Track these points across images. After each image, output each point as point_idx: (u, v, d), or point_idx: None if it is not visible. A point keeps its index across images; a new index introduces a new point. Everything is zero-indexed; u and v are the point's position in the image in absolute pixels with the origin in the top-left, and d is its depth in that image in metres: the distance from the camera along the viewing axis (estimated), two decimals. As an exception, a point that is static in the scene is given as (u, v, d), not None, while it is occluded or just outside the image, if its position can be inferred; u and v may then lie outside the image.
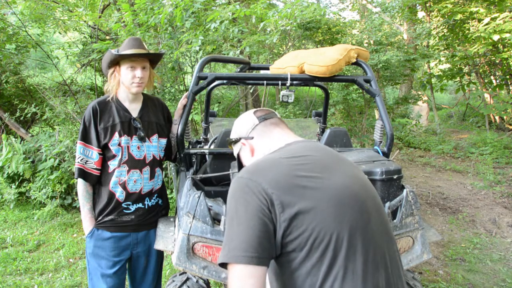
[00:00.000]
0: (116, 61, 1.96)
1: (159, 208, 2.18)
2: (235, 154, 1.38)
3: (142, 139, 2.04)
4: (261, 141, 1.26)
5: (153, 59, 2.08)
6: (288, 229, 0.98)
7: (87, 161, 1.97)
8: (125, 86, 1.99)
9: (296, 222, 0.97)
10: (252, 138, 1.28)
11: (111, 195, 1.99)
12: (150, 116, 2.11)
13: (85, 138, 1.97)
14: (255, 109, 1.35)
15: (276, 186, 1.00)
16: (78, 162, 1.97)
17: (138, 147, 2.03)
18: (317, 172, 1.06)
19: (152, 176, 2.09)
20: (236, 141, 1.33)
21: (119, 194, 1.99)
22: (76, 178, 1.98)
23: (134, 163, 2.01)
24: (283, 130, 1.29)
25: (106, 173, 2.00)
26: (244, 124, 1.32)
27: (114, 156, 1.98)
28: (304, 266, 0.98)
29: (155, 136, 2.12)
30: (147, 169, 2.06)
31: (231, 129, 1.39)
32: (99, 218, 2.00)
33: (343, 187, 1.05)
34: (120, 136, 1.98)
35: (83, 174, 1.97)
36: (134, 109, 2.07)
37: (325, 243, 0.97)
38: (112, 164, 1.99)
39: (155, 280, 2.24)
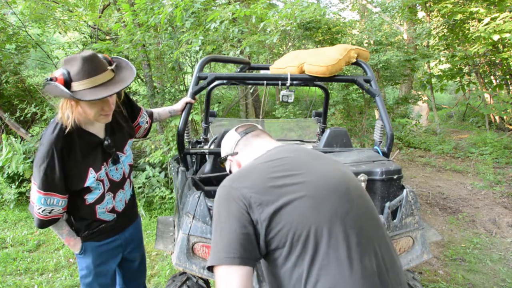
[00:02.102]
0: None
1: (133, 200, 2.06)
2: (228, 171, 1.46)
3: (115, 161, 1.79)
4: (245, 154, 1.34)
5: None
6: (269, 227, 1.03)
7: (52, 209, 1.62)
8: (89, 118, 1.60)
9: (275, 219, 1.03)
10: (237, 153, 1.36)
11: (101, 221, 1.80)
12: (117, 124, 1.82)
13: (48, 186, 1.57)
14: (237, 126, 1.44)
15: (254, 190, 1.06)
16: (39, 213, 1.61)
17: (116, 169, 1.81)
18: (294, 170, 1.12)
19: (130, 183, 1.95)
20: (225, 159, 1.42)
21: (110, 217, 1.84)
22: (37, 227, 1.68)
23: (117, 186, 1.83)
24: (264, 140, 1.35)
25: (82, 206, 1.72)
26: (228, 142, 1.41)
27: (90, 191, 1.70)
28: (289, 261, 1.02)
29: (127, 144, 1.89)
30: (127, 183, 1.91)
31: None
32: (86, 233, 1.79)
33: (322, 179, 1.11)
34: (96, 171, 1.68)
35: (48, 223, 1.66)
36: (99, 128, 1.72)
37: (305, 235, 1.01)
38: (90, 198, 1.71)
39: (145, 277, 2.23)
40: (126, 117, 1.92)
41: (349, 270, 0.99)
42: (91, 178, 1.67)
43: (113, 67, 1.60)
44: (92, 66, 1.49)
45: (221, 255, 1.01)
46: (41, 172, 1.54)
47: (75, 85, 1.48)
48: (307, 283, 0.99)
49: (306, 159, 1.19)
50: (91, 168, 1.66)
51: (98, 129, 1.71)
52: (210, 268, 1.04)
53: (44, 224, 1.65)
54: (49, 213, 1.63)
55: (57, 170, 1.55)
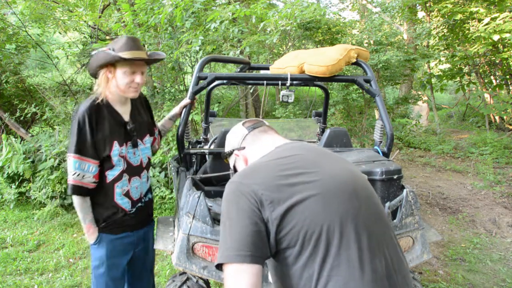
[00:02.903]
0: (112, 62, 1.78)
1: (150, 202, 2.17)
2: (231, 166, 1.43)
3: (135, 145, 1.94)
4: (252, 149, 1.32)
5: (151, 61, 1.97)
6: (280, 225, 1.01)
7: (84, 175, 1.79)
8: (120, 89, 1.83)
9: (287, 218, 1.01)
10: (244, 148, 1.33)
11: (118, 207, 1.92)
12: (141, 116, 2.03)
13: (81, 150, 1.77)
14: (244, 121, 1.41)
15: (265, 187, 1.04)
16: (74, 178, 1.77)
17: (134, 153, 1.95)
18: (305, 168, 1.10)
19: (147, 177, 2.07)
20: (230, 153, 1.39)
21: (126, 204, 1.94)
22: (70, 195, 1.84)
23: (133, 170, 1.94)
24: (272, 136, 1.33)
25: (104, 184, 1.87)
26: (235, 136, 1.38)
27: (112, 166, 1.86)
28: (300, 260, 1.00)
29: (147, 137, 2.05)
30: (144, 173, 2.03)
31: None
32: (103, 224, 1.92)
33: (332, 178, 1.09)
34: (121, 145, 1.87)
35: (79, 190, 1.80)
36: (125, 111, 1.94)
37: (316, 235, 0.99)
38: (111, 174, 1.86)
39: (152, 279, 2.26)
40: (151, 113, 2.13)
41: (360, 272, 0.97)
42: (116, 150, 1.84)
43: (148, 52, 1.89)
44: (134, 43, 1.79)
45: (230, 253, 0.98)
46: (75, 137, 1.76)
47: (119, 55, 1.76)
48: (318, 284, 0.98)
49: (315, 157, 1.17)
50: (115, 142, 1.84)
51: (124, 111, 1.92)
52: (219, 266, 1.01)
53: (75, 189, 1.79)
54: (82, 178, 1.78)
55: (88, 134, 1.77)
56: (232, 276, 0.97)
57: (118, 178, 1.88)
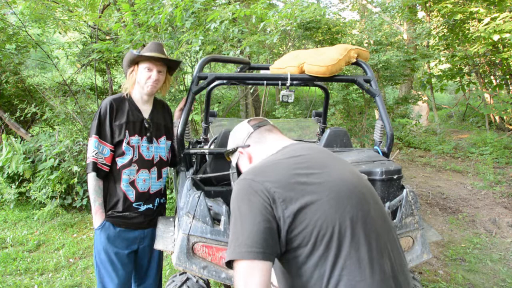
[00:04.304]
0: (136, 61, 2.05)
1: (162, 206, 2.28)
2: (234, 164, 1.42)
3: (149, 140, 2.10)
4: (258, 148, 1.31)
5: (170, 65, 2.15)
6: (292, 224, 1.01)
7: (98, 156, 2.00)
8: (140, 85, 2.07)
9: (299, 217, 1.01)
10: (249, 146, 1.33)
11: (123, 195, 2.04)
12: (159, 118, 2.19)
13: (100, 133, 2.00)
14: (248, 119, 1.40)
15: (278, 185, 1.04)
16: (92, 156, 2.00)
17: (148, 148, 2.10)
18: (316, 168, 1.11)
19: (159, 176, 2.19)
20: (234, 151, 1.38)
21: (130, 193, 2.06)
22: (89, 172, 2.01)
23: (143, 163, 2.08)
24: (277, 135, 1.33)
25: (114, 170, 2.04)
26: (239, 133, 1.37)
27: (123, 154, 2.03)
28: (311, 260, 1.01)
29: (163, 138, 2.19)
30: (154, 170, 2.15)
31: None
32: (109, 212, 2.04)
33: (342, 181, 1.10)
34: (131, 135, 2.04)
35: (96, 167, 1.99)
36: (146, 110, 2.14)
37: (329, 235, 1.00)
38: (120, 161, 2.03)
39: (158, 275, 2.30)
40: (172, 121, 2.30)
41: (370, 272, 0.99)
42: (126, 139, 2.03)
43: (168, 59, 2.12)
44: (157, 47, 2.06)
45: (242, 249, 0.98)
46: (97, 120, 2.00)
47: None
48: (329, 283, 0.98)
49: (323, 158, 1.18)
50: (127, 131, 2.04)
51: (145, 110, 2.13)
52: (229, 263, 1.01)
53: (93, 166, 1.99)
54: (98, 157, 1.99)
55: (107, 120, 2.00)
56: (243, 273, 0.97)
57: (127, 165, 2.04)
